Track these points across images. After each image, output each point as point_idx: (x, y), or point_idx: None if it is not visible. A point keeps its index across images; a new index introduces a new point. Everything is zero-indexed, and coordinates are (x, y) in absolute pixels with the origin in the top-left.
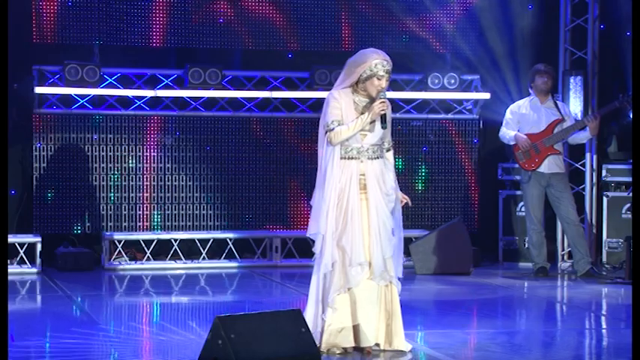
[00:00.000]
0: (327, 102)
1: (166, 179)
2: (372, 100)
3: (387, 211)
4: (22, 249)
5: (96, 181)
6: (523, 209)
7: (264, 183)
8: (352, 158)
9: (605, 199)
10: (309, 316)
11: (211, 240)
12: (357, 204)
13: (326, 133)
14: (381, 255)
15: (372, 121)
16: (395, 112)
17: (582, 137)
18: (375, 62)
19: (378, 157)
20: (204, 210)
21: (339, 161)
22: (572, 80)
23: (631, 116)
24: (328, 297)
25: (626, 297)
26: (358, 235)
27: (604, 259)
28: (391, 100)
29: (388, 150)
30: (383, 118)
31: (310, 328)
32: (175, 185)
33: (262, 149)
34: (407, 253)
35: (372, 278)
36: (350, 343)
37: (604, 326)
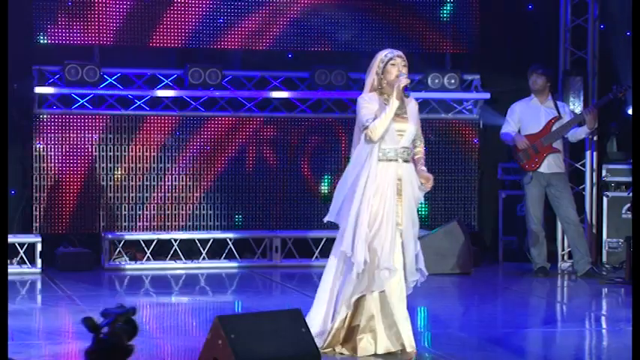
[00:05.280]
0: (358, 105)
1: (166, 179)
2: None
3: (415, 213)
4: (22, 249)
5: (96, 181)
6: (523, 209)
7: (264, 183)
8: (391, 160)
9: (605, 199)
10: (318, 316)
11: (211, 240)
12: (392, 209)
13: (363, 132)
14: (412, 253)
15: (404, 115)
16: None
17: (581, 132)
18: (385, 53)
19: (408, 161)
20: (204, 210)
21: (376, 163)
22: (572, 80)
23: (629, 110)
24: (348, 297)
25: (626, 297)
26: (390, 239)
27: (604, 259)
28: None
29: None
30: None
31: (318, 328)
32: (175, 185)
33: (262, 149)
34: None
35: (405, 277)
36: (373, 347)
37: (604, 326)
